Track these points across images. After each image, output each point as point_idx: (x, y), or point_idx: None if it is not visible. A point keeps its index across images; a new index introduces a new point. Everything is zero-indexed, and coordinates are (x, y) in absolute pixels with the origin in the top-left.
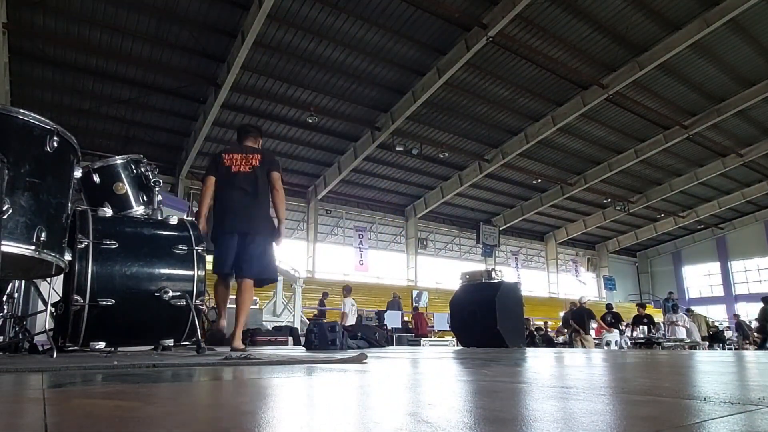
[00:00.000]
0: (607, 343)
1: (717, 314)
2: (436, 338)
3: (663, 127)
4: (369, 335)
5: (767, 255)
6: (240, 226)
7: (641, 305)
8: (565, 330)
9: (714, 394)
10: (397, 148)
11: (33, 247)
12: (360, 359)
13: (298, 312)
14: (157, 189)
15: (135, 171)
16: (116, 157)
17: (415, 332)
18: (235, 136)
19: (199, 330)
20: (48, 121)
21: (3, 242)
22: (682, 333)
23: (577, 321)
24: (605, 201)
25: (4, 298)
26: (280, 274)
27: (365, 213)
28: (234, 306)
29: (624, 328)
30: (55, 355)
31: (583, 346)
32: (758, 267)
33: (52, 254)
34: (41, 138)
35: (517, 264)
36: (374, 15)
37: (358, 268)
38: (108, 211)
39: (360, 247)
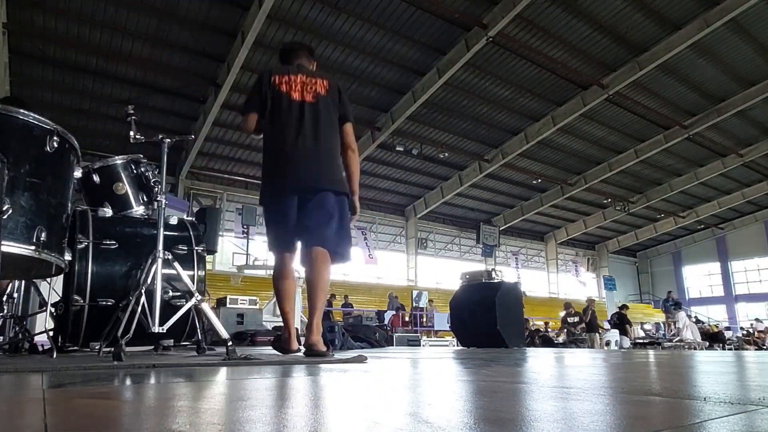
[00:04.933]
0: (607, 343)
1: (717, 314)
2: (436, 338)
3: (663, 127)
4: (369, 335)
5: (767, 255)
6: (304, 179)
7: (623, 306)
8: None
9: (714, 394)
10: (397, 148)
11: (33, 247)
12: (360, 360)
13: (299, 312)
14: (157, 189)
15: (135, 171)
16: (116, 157)
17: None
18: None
19: (199, 330)
20: (48, 121)
21: (3, 242)
22: (688, 334)
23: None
24: (605, 201)
25: (4, 298)
26: None
27: (365, 213)
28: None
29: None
30: (55, 355)
31: (592, 346)
32: (758, 267)
33: (52, 254)
34: (41, 138)
35: (517, 264)
36: (374, 15)
37: (368, 261)
38: (108, 211)
39: (366, 243)
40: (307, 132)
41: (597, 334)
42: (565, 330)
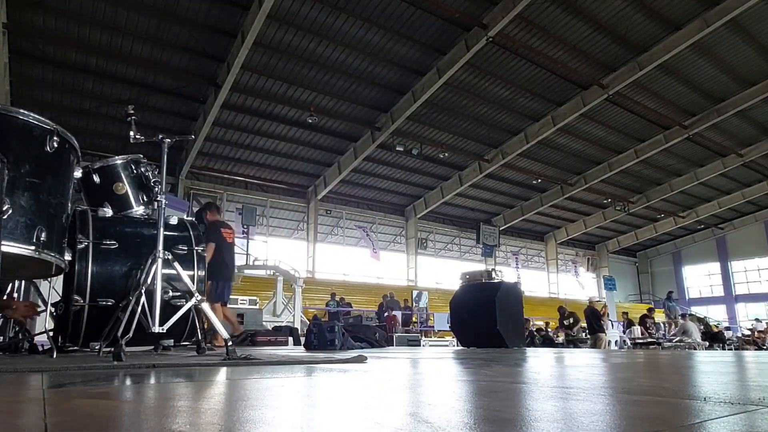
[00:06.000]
0: (608, 343)
1: (717, 314)
2: (436, 338)
3: (663, 127)
4: (369, 335)
5: (767, 255)
6: None
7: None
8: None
9: (714, 394)
10: (397, 148)
11: (33, 247)
12: (359, 360)
13: (298, 312)
14: (157, 189)
15: (135, 171)
16: (116, 157)
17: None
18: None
19: (199, 330)
20: (48, 121)
21: (3, 242)
22: (689, 334)
23: (587, 321)
24: (605, 201)
25: (4, 298)
26: (279, 273)
27: (365, 213)
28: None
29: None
30: (55, 355)
31: (596, 345)
32: (758, 267)
33: (52, 254)
34: (41, 138)
35: (517, 264)
36: (374, 15)
37: (373, 256)
38: (108, 211)
39: (370, 239)
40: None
41: (603, 334)
42: (564, 332)
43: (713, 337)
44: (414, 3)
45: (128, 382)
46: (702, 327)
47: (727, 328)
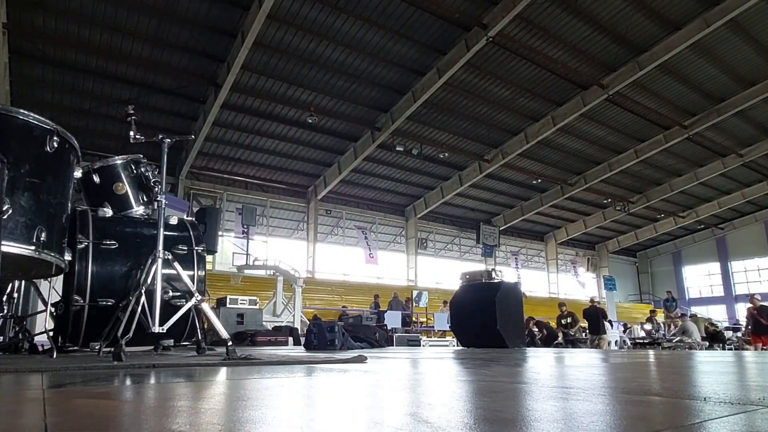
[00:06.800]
0: (608, 343)
1: (717, 314)
2: (436, 338)
3: (663, 127)
4: (369, 335)
5: (767, 255)
6: None
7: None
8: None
9: (714, 394)
10: (397, 148)
11: (33, 247)
12: (360, 360)
13: (298, 312)
14: (157, 189)
15: (135, 171)
16: (116, 157)
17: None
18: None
19: (199, 330)
20: (48, 121)
21: (3, 242)
22: (689, 334)
23: (591, 321)
24: (605, 201)
25: (4, 298)
26: (279, 273)
27: (365, 213)
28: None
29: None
30: (55, 355)
31: (599, 346)
32: (758, 267)
33: (52, 254)
34: (41, 138)
35: (517, 264)
36: (374, 15)
37: (369, 261)
38: (108, 211)
39: (367, 242)
40: None
41: (605, 335)
42: (561, 332)
43: (713, 337)
44: (414, 3)
45: (128, 382)
46: (710, 327)
47: (727, 328)
